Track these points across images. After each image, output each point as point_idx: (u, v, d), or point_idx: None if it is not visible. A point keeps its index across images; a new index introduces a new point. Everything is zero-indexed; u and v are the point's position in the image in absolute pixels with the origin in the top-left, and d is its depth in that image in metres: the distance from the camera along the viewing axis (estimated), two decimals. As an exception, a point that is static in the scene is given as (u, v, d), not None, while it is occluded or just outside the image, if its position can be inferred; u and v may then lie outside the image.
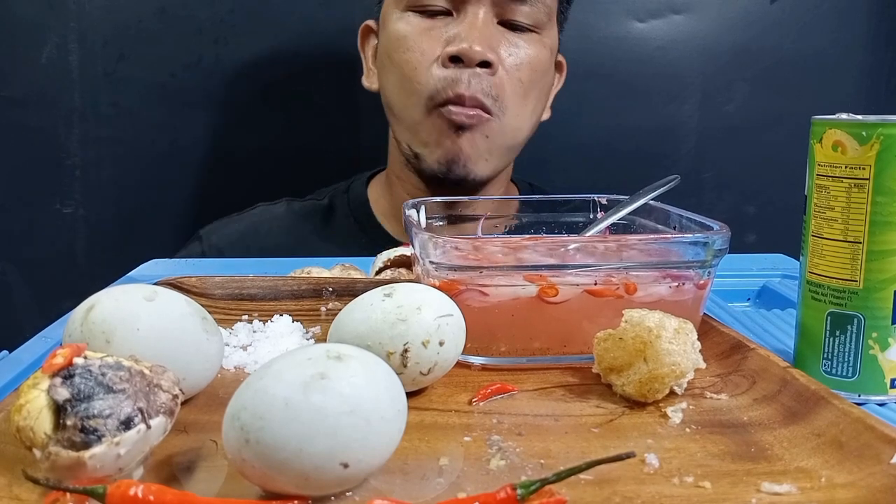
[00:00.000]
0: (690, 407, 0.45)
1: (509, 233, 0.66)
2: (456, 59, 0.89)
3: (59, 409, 0.34)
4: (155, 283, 0.53)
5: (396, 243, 0.94)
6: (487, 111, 0.90)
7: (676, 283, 0.52)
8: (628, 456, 0.36)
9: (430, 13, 0.92)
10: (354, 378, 0.35)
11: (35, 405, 0.34)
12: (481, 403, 0.46)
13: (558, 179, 1.24)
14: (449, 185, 0.95)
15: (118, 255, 1.24)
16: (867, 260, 0.48)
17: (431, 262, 0.50)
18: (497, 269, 0.50)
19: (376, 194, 1.08)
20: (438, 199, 0.67)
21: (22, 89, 1.23)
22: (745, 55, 1.26)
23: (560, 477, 0.35)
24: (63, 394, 0.34)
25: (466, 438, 0.41)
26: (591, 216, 0.66)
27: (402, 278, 0.65)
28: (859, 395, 0.49)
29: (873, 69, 1.29)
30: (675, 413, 0.44)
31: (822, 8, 1.27)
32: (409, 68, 0.92)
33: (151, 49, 1.24)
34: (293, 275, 0.67)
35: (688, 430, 0.42)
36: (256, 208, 1.10)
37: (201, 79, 1.25)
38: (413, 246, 0.53)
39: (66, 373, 0.34)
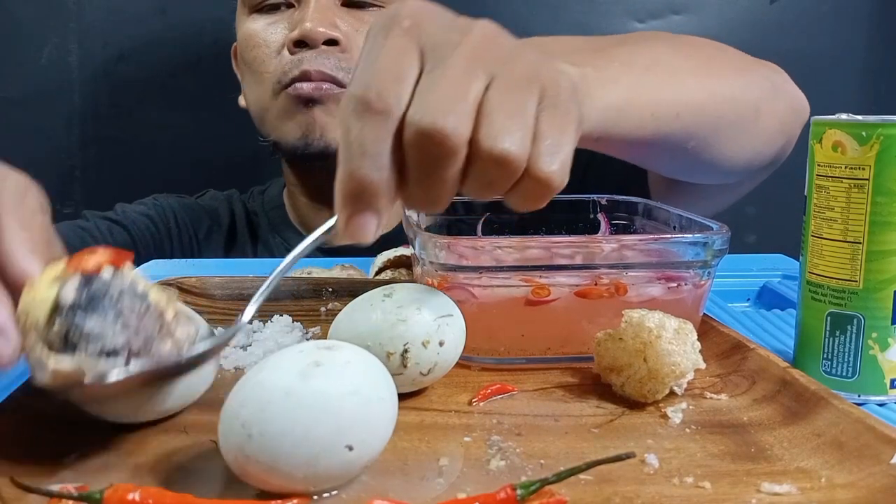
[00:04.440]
0: (690, 407, 0.45)
1: (509, 233, 0.66)
2: (301, 44, 0.89)
3: (57, 308, 0.33)
4: (155, 284, 0.53)
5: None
6: (339, 84, 0.90)
7: (675, 284, 0.51)
8: (628, 456, 0.36)
9: (271, 7, 0.94)
10: (348, 363, 0.35)
11: (44, 294, 0.34)
12: (481, 404, 0.46)
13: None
14: (316, 162, 0.93)
15: (118, 256, 1.24)
16: (867, 260, 0.48)
17: (431, 263, 0.50)
18: (497, 270, 0.50)
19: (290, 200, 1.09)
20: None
21: (22, 89, 1.23)
22: (745, 55, 1.26)
23: (560, 477, 0.35)
24: (69, 297, 0.33)
25: (466, 439, 0.41)
26: (592, 216, 0.66)
27: (402, 278, 0.65)
28: (859, 396, 0.49)
29: (873, 69, 1.29)
30: (675, 413, 0.44)
31: (822, 8, 1.27)
32: (258, 63, 0.93)
33: (151, 49, 1.24)
34: (293, 275, 0.67)
35: (688, 430, 0.42)
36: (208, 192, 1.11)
37: (201, 79, 1.25)
38: (413, 246, 0.53)
39: (88, 279, 0.34)
